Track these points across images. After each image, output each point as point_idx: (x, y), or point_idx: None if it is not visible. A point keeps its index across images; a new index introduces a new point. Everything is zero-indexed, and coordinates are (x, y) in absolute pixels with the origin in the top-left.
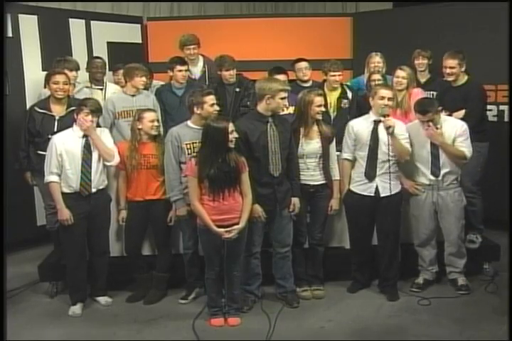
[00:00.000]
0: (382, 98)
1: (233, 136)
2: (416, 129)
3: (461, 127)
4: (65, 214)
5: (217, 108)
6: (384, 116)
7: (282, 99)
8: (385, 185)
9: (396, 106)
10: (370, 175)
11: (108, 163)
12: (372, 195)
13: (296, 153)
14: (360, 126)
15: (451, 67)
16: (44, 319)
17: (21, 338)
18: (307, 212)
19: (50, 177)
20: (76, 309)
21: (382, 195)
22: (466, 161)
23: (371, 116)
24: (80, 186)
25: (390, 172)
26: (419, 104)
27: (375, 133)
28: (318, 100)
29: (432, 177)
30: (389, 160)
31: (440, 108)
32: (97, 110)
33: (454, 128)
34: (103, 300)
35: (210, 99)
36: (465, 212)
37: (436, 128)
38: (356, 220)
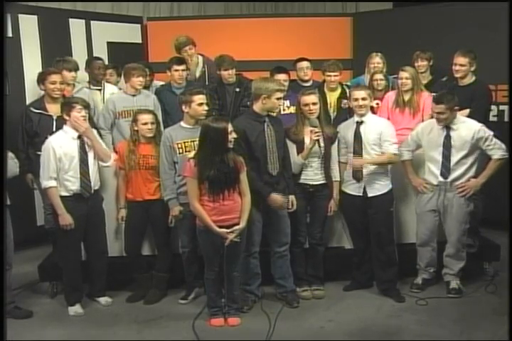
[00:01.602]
0: (356, 99)
1: (232, 136)
2: (429, 129)
3: (478, 132)
4: (67, 219)
5: (205, 108)
6: (314, 127)
7: (278, 99)
8: (373, 186)
9: (404, 106)
10: (357, 175)
11: (104, 164)
12: (361, 194)
13: (288, 152)
14: (345, 128)
15: (461, 65)
16: (44, 319)
17: (21, 338)
18: (307, 212)
19: (50, 183)
20: (77, 308)
21: (369, 195)
22: (507, 157)
23: (355, 118)
24: (81, 188)
25: (377, 173)
26: (439, 94)
27: (357, 135)
28: (305, 99)
29: (441, 179)
30: None
31: (457, 107)
32: (88, 105)
33: (469, 131)
34: (103, 300)
35: (198, 98)
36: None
37: (449, 127)
38: (351, 220)
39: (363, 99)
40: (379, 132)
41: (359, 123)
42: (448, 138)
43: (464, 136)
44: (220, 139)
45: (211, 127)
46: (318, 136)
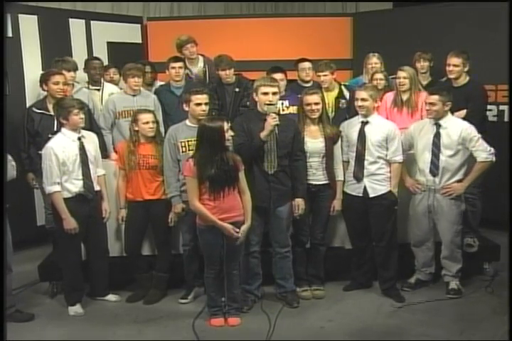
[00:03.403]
0: (356, 99)
1: (229, 134)
2: (420, 127)
3: (466, 130)
4: (72, 223)
5: (203, 108)
6: (271, 113)
7: (263, 94)
8: (374, 186)
9: (402, 106)
10: (358, 175)
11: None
12: (361, 195)
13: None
14: (350, 127)
15: (454, 65)
16: (44, 319)
17: (21, 338)
18: (309, 212)
19: (54, 188)
20: (77, 308)
21: (371, 196)
22: (493, 161)
23: (360, 117)
24: (84, 189)
25: (378, 174)
26: (436, 87)
27: (362, 134)
28: (307, 99)
29: (430, 177)
30: (377, 162)
31: (449, 103)
32: (83, 105)
33: (458, 129)
34: (112, 297)
35: (196, 98)
36: (465, 213)
37: (439, 125)
38: (351, 220)
39: (363, 99)
40: (384, 135)
41: (364, 123)
42: (438, 136)
43: (452, 135)
44: (217, 138)
45: (207, 127)
46: (275, 120)
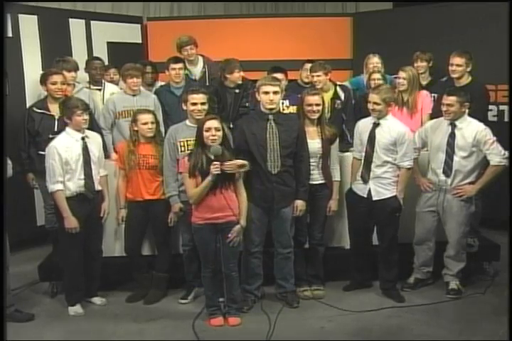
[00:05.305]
0: (369, 102)
1: (210, 133)
2: (436, 126)
3: (481, 132)
4: (73, 222)
5: (199, 108)
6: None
7: (264, 93)
8: (378, 189)
9: (402, 106)
10: (365, 177)
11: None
12: (365, 196)
13: (306, 157)
14: (363, 127)
15: (457, 65)
16: (44, 319)
17: (21, 338)
18: (308, 212)
19: (56, 186)
20: (77, 308)
21: (374, 199)
22: (506, 165)
23: (372, 118)
24: (85, 189)
25: (384, 177)
26: (454, 88)
27: (371, 136)
28: (308, 99)
29: (442, 177)
30: (383, 165)
31: (466, 105)
32: (87, 106)
33: (473, 131)
34: (98, 300)
35: (192, 97)
36: None
37: (455, 126)
38: (353, 219)
39: (375, 103)
40: (392, 138)
41: (375, 125)
42: (452, 136)
43: (467, 137)
44: (200, 136)
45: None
46: (216, 168)
